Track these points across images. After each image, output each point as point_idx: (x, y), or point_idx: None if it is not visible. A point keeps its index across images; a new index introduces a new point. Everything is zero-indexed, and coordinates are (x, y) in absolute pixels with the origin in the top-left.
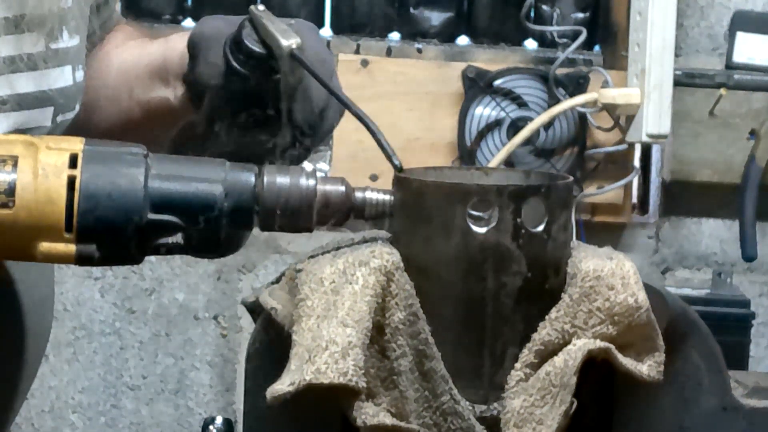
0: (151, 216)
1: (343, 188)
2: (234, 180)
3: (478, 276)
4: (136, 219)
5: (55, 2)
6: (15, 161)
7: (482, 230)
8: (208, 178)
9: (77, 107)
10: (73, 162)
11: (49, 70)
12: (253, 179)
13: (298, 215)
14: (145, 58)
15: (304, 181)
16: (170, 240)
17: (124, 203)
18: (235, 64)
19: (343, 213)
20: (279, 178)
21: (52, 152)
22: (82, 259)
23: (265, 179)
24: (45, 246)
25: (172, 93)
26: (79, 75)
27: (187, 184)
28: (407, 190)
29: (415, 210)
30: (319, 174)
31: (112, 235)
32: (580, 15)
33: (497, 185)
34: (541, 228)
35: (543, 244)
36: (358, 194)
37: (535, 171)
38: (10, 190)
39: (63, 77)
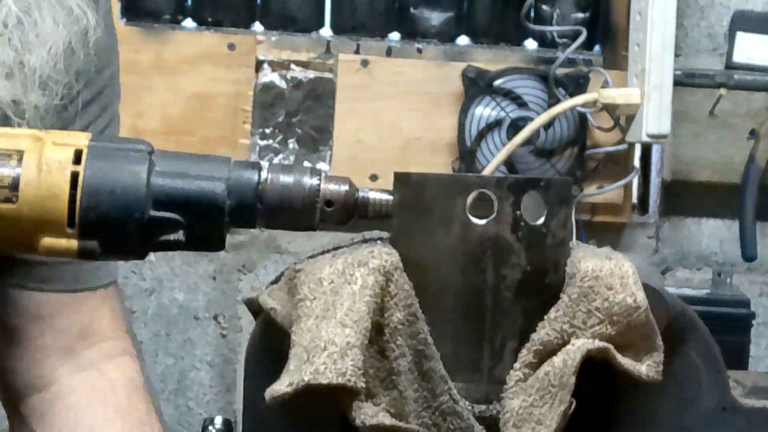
0: (153, 213)
1: (346, 187)
2: (237, 178)
3: (477, 268)
4: (137, 216)
5: None
6: (20, 156)
7: (482, 222)
8: (212, 176)
9: None
10: (77, 158)
11: None
12: (256, 177)
13: (302, 214)
14: None
15: (307, 180)
16: (172, 237)
17: (126, 200)
18: None
19: (346, 212)
20: (282, 177)
21: (57, 147)
22: (84, 254)
23: (269, 177)
24: (47, 241)
25: None
26: None
27: (190, 182)
28: (407, 185)
29: (415, 204)
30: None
31: (113, 231)
32: (580, 15)
33: (496, 177)
34: (540, 222)
35: (542, 238)
36: (362, 194)
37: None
38: (14, 185)
39: None
